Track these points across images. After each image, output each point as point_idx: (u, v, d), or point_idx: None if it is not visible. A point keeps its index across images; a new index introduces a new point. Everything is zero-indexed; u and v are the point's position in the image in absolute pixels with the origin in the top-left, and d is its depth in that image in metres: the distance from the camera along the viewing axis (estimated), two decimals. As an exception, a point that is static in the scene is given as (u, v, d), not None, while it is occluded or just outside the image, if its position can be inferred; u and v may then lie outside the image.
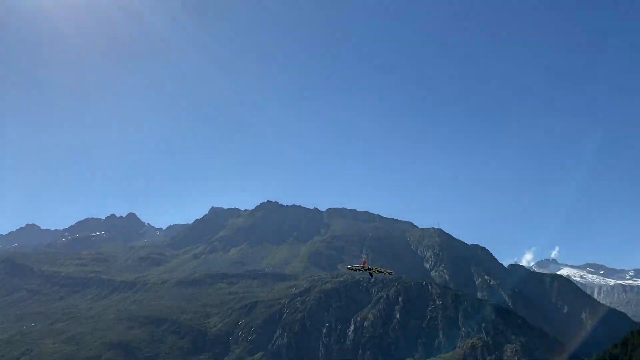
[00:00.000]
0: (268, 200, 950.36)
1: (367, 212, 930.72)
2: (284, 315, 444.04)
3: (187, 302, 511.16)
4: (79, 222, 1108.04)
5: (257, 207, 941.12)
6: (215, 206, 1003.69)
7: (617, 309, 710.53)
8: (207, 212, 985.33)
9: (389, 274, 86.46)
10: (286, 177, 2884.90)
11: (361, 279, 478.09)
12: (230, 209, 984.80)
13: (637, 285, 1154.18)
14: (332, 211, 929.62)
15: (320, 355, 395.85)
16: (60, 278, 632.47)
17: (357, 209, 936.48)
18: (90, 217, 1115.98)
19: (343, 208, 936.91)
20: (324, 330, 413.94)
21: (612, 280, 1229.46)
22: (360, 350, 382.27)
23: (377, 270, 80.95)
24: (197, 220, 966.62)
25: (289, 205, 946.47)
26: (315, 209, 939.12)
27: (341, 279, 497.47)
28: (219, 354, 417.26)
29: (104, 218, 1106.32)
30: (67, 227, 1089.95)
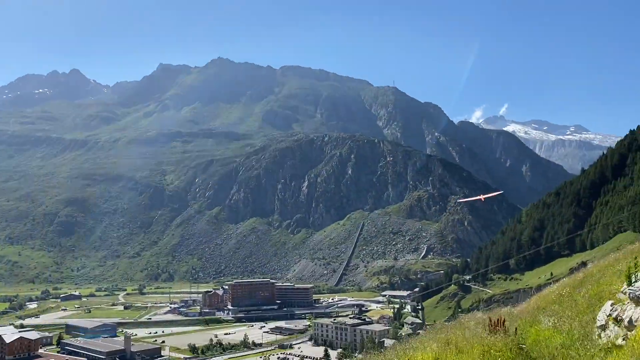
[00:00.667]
0: (219, 57, 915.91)
1: (322, 70, 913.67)
2: (240, 173, 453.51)
3: (142, 160, 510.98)
4: (19, 79, 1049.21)
5: (208, 64, 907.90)
6: (163, 62, 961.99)
7: (556, 162, 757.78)
8: (155, 69, 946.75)
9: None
10: (238, 32, 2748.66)
11: (315, 138, 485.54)
12: (179, 65, 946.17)
13: (576, 140, 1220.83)
14: (286, 69, 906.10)
15: (275, 209, 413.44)
16: (7, 137, 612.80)
17: (312, 67, 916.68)
18: (31, 73, 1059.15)
19: (297, 66, 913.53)
20: (279, 186, 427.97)
21: (554, 136, 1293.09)
22: (313, 204, 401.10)
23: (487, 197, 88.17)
24: (145, 77, 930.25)
25: (241, 62, 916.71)
26: (268, 66, 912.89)
27: (295, 137, 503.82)
28: (178, 209, 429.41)
29: (45, 74, 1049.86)
30: (6, 84, 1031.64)
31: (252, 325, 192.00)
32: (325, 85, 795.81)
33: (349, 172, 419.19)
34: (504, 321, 13.37)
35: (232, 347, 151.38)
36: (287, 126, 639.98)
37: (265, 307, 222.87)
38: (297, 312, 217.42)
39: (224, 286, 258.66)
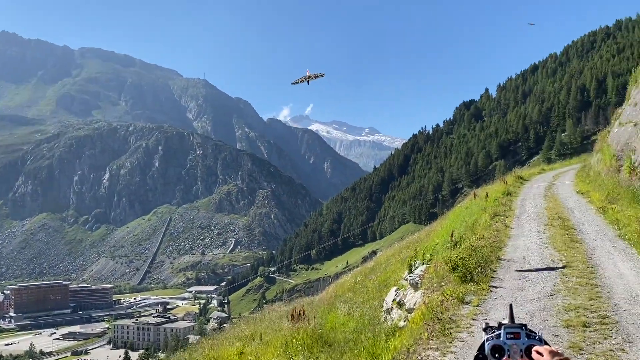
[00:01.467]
0: (4, 31, 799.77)
1: (128, 55, 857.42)
2: (28, 162, 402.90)
3: None
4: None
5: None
6: None
7: (353, 160, 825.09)
8: None
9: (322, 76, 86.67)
10: (28, 6, 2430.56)
11: (119, 127, 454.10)
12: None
13: (370, 141, 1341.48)
14: (86, 51, 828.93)
15: (71, 203, 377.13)
16: None
17: (116, 51, 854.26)
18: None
19: (99, 49, 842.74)
20: (76, 178, 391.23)
21: (352, 136, 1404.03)
22: (115, 198, 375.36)
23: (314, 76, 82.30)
24: None
25: (32, 39, 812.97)
26: (65, 46, 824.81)
27: (96, 125, 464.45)
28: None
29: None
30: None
31: (41, 333, 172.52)
32: (131, 72, 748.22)
33: (156, 164, 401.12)
34: (304, 311, 14.21)
35: (15, 359, 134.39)
36: (87, 113, 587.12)
37: (57, 311, 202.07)
38: (94, 314, 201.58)
39: (4, 291, 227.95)
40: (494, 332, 2.18)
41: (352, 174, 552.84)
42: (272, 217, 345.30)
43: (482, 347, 2.22)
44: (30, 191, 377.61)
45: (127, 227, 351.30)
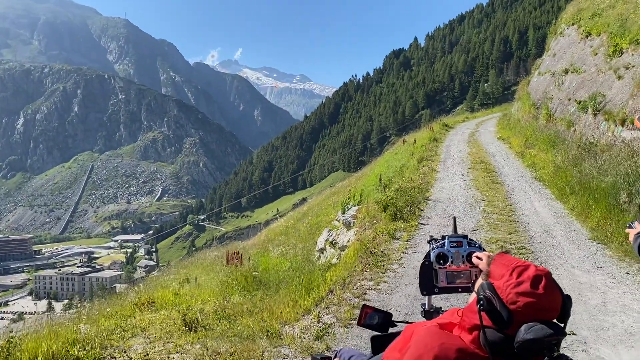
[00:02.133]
0: None
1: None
2: None
3: None
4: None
5: None
6: None
7: (283, 108, 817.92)
8: None
9: None
10: None
11: (32, 68, 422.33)
12: None
13: (301, 89, 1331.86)
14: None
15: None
16: None
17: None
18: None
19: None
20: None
21: (282, 83, 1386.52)
22: (32, 145, 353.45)
23: None
24: None
25: None
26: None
27: (6, 66, 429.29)
28: None
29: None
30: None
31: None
32: (44, 8, 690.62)
33: (75, 109, 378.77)
34: (239, 254, 14.40)
35: None
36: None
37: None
38: (12, 266, 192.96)
39: None
40: (438, 242, 2.38)
41: (283, 122, 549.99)
42: (200, 165, 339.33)
43: (427, 255, 2.44)
44: None
45: (46, 175, 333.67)
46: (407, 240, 9.65)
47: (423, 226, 10.66)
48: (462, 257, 2.30)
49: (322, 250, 13.29)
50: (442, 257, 2.33)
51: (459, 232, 2.41)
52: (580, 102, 15.47)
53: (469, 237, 2.35)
